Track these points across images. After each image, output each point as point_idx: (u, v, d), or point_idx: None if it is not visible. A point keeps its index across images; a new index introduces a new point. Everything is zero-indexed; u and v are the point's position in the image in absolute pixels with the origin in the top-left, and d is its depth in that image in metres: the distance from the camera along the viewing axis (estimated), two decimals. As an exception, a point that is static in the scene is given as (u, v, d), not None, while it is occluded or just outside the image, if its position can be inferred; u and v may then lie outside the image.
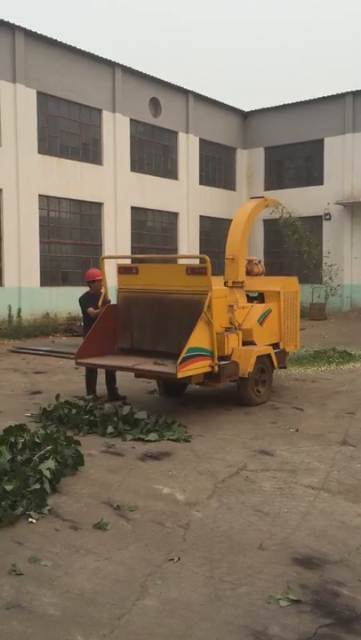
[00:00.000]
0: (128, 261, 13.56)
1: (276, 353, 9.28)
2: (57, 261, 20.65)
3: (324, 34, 58.46)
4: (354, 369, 12.10)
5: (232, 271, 9.59)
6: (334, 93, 25.70)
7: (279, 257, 26.98)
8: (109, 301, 9.14)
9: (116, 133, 21.97)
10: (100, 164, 21.67)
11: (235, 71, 57.73)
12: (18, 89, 18.69)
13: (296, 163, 27.60)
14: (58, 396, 8.22)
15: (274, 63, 58.40)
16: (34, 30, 19.01)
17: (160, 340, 8.55)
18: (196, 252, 25.01)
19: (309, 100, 26.36)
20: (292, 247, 25.29)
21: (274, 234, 26.77)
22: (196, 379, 8.25)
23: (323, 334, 17.32)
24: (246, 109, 28.19)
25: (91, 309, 9.15)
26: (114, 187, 21.97)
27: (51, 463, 5.48)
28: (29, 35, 18.97)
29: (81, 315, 10.03)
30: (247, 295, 9.71)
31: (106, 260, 9.68)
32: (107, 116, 21.76)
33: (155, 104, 23.78)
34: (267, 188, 27.35)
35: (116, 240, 22.01)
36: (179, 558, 4.12)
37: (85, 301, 9.38)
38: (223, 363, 8.24)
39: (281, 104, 27.23)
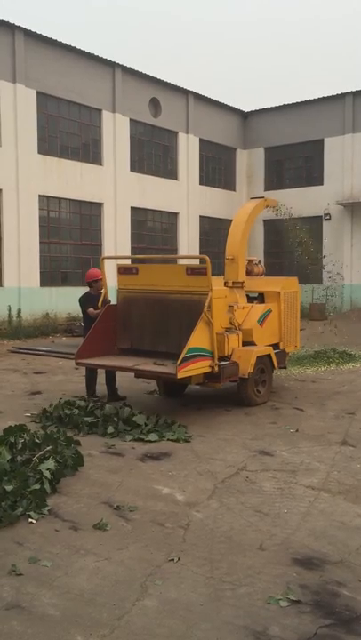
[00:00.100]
0: (128, 261, 13.58)
1: (276, 353, 9.28)
2: (57, 262, 20.65)
3: (324, 34, 58.58)
4: (354, 369, 12.10)
5: (232, 271, 9.59)
6: (334, 94, 25.71)
7: (279, 257, 26.98)
8: (109, 301, 9.13)
9: (115, 133, 21.97)
10: (100, 165, 21.67)
11: (235, 71, 57.83)
12: (18, 89, 18.69)
13: (296, 163, 27.60)
14: (61, 400, 8.22)
15: (274, 63, 58.51)
16: (34, 30, 19.02)
17: (160, 340, 8.55)
18: (196, 252, 25.02)
19: (309, 101, 26.36)
20: (295, 248, 25.30)
21: (274, 234, 26.78)
22: (196, 379, 8.25)
23: (322, 333, 17.31)
24: (246, 109, 28.20)
25: (91, 310, 9.15)
26: (114, 187, 21.97)
27: (51, 463, 5.48)
28: (29, 35, 18.98)
29: (81, 315, 10.04)
30: (247, 295, 9.71)
31: (106, 261, 9.69)
32: (107, 116, 21.77)
33: (155, 104, 23.78)
34: (267, 189, 27.36)
35: (116, 240, 22.01)
36: (179, 559, 4.12)
37: (85, 302, 9.38)
38: (223, 363, 8.24)
39: (281, 104, 27.24)
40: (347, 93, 25.38)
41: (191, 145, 25.32)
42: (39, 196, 19.59)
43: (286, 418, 8.18)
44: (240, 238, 9.75)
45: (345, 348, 14.27)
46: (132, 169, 22.89)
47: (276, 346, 9.47)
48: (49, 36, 19.50)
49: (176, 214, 24.99)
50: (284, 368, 10.52)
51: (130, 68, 22.39)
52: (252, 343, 8.93)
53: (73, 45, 20.27)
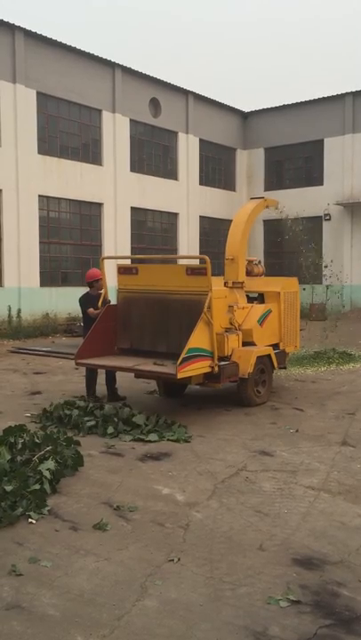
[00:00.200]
0: (128, 262, 13.57)
1: (276, 353, 9.28)
2: (57, 262, 20.65)
3: (324, 34, 58.57)
4: (354, 369, 12.10)
5: (232, 272, 9.59)
6: (334, 94, 25.74)
7: (279, 257, 26.98)
8: (109, 302, 9.13)
9: (115, 134, 21.98)
10: (100, 165, 21.67)
11: (235, 71, 57.84)
12: (18, 89, 18.69)
13: (296, 163, 27.61)
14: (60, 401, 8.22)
15: (274, 63, 58.51)
16: (34, 30, 19.04)
17: (160, 340, 8.55)
18: (196, 252, 25.02)
19: (309, 101, 26.38)
20: (296, 248, 25.30)
21: (274, 234, 26.78)
22: (195, 379, 8.24)
23: (324, 331, 17.28)
24: (246, 110, 28.22)
25: (91, 310, 9.15)
26: (114, 187, 21.98)
27: (50, 464, 5.48)
28: (29, 35, 18.98)
29: (81, 315, 10.03)
30: (247, 296, 9.71)
31: (106, 261, 9.69)
32: (107, 116, 21.77)
33: (155, 104, 23.78)
34: (267, 189, 27.37)
35: (116, 240, 22.01)
36: (179, 559, 4.11)
37: (85, 302, 9.38)
38: (223, 363, 8.24)
39: (281, 104, 27.26)
40: (347, 93, 25.41)
41: (191, 145, 25.32)
42: (39, 196, 19.59)
43: (286, 418, 8.17)
44: (240, 238, 9.75)
45: (345, 347, 14.26)
46: (132, 169, 22.89)
47: (276, 346, 9.47)
48: (49, 36, 19.53)
49: (176, 214, 24.99)
50: (284, 368, 10.52)
51: (130, 69, 22.40)
52: (252, 343, 8.93)
53: (73, 45, 20.28)
